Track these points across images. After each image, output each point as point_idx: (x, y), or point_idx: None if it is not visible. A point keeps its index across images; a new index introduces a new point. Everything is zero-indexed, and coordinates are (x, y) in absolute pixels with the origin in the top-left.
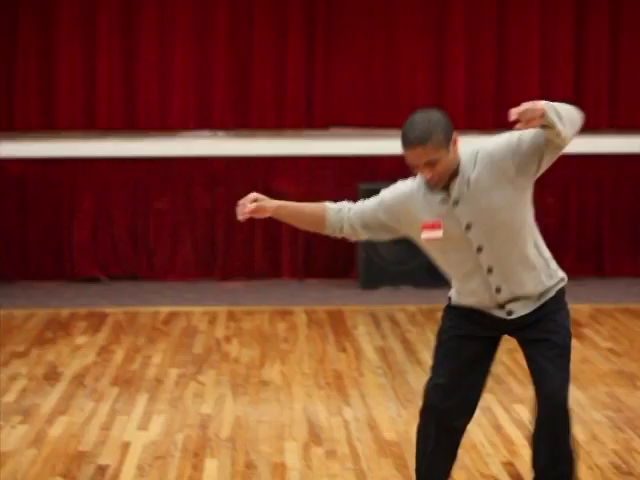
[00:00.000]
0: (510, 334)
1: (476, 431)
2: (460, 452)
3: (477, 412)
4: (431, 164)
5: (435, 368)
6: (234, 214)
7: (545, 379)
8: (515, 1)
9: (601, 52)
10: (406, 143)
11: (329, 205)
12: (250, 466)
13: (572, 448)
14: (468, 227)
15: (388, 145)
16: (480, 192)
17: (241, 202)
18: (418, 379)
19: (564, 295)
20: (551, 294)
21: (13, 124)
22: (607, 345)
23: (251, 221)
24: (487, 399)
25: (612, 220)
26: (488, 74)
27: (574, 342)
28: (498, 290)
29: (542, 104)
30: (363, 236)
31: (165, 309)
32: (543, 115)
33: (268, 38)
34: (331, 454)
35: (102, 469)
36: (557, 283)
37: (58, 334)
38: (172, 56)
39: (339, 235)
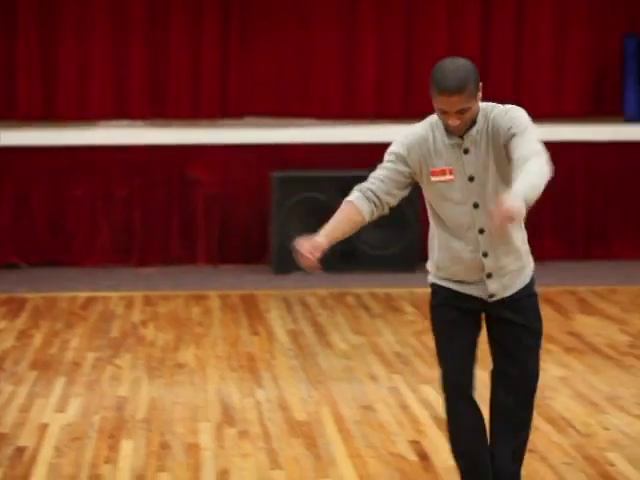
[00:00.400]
0: (488, 312)
1: (384, 411)
2: (368, 431)
3: (385, 392)
4: (462, 112)
5: (441, 356)
6: (150, 201)
7: (518, 368)
8: None
9: (505, 43)
10: (443, 90)
11: (356, 201)
12: (165, 446)
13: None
14: (471, 179)
15: (300, 134)
16: (487, 147)
17: (301, 253)
18: (328, 361)
19: (534, 283)
20: (527, 279)
21: None
22: None
23: (167, 208)
24: (394, 379)
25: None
26: (397, 63)
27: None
28: (485, 255)
29: (520, 209)
30: (401, 196)
31: (83, 294)
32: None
33: (184, 30)
34: (244, 434)
35: (20, 450)
36: (530, 266)
37: None
38: (90, 47)
39: (378, 216)
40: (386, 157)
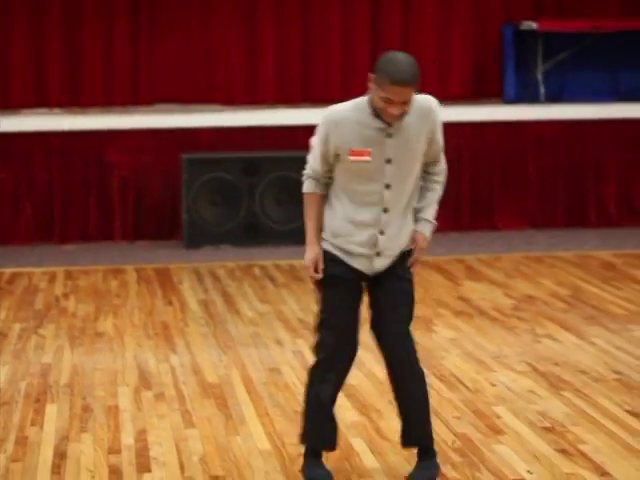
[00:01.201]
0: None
1: (289, 372)
2: (274, 391)
3: (289, 355)
4: (406, 103)
5: (329, 317)
6: (70, 183)
7: (391, 325)
8: None
9: (394, 32)
10: (398, 81)
11: (315, 190)
12: (87, 409)
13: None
14: (388, 161)
15: (207, 118)
16: (410, 136)
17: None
18: (237, 328)
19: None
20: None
21: None
22: None
23: (85, 190)
24: (298, 344)
25: None
26: (295, 52)
27: None
28: (382, 232)
29: (426, 242)
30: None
31: (8, 270)
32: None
33: (97, 23)
34: (159, 397)
35: None
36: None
37: None
38: (10, 40)
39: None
40: (314, 140)
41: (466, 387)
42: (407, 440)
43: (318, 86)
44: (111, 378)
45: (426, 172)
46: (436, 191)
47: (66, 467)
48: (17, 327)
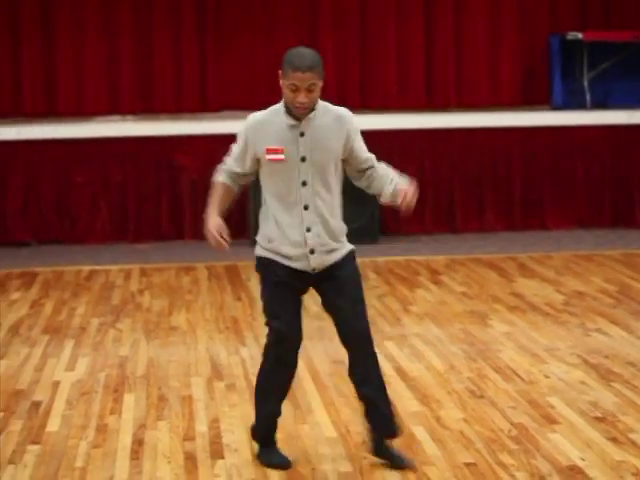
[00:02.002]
0: (313, 285)
1: None
2: (339, 382)
3: None
4: (310, 89)
5: (273, 312)
6: (143, 186)
7: (350, 321)
8: (374, 1)
9: (447, 44)
10: (297, 67)
11: (224, 180)
12: (162, 399)
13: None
14: (303, 159)
15: None
16: (323, 135)
17: (211, 240)
18: (303, 322)
19: (354, 256)
20: (344, 252)
21: None
22: (461, 289)
23: (158, 191)
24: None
25: (461, 184)
26: (353, 61)
27: (433, 287)
28: (308, 229)
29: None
30: (250, 175)
31: (86, 268)
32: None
33: (166, 35)
34: (231, 387)
35: (36, 404)
36: (347, 245)
37: None
38: (85, 52)
39: (245, 183)
40: (237, 139)
41: (521, 378)
42: (379, 431)
43: (376, 93)
44: (185, 369)
45: (365, 170)
46: (382, 168)
47: (144, 453)
48: (95, 321)
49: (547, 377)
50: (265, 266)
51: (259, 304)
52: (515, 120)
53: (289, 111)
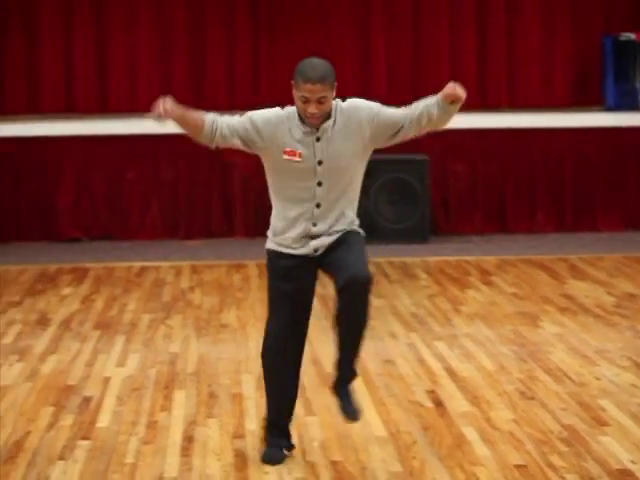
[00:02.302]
0: (319, 265)
1: (403, 365)
2: (389, 382)
3: (403, 348)
4: (321, 102)
5: (274, 311)
6: (195, 183)
7: (347, 265)
8: (428, 1)
9: (499, 45)
10: (307, 79)
11: (206, 116)
12: (212, 396)
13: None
14: (319, 162)
15: None
16: (338, 137)
17: (160, 102)
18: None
19: (358, 229)
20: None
21: (5, 108)
22: (512, 290)
23: (209, 189)
24: (411, 337)
25: (512, 185)
26: (405, 60)
27: (484, 287)
28: (315, 224)
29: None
30: (232, 144)
31: (137, 264)
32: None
33: (219, 33)
34: None
35: (87, 400)
36: (355, 223)
37: (47, 286)
38: (138, 49)
39: (212, 144)
40: (248, 116)
41: (571, 380)
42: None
43: (428, 90)
44: (235, 367)
45: (416, 119)
46: (419, 104)
47: (194, 450)
48: (146, 318)
49: (598, 379)
50: (271, 260)
51: None
52: (567, 121)
53: (302, 119)
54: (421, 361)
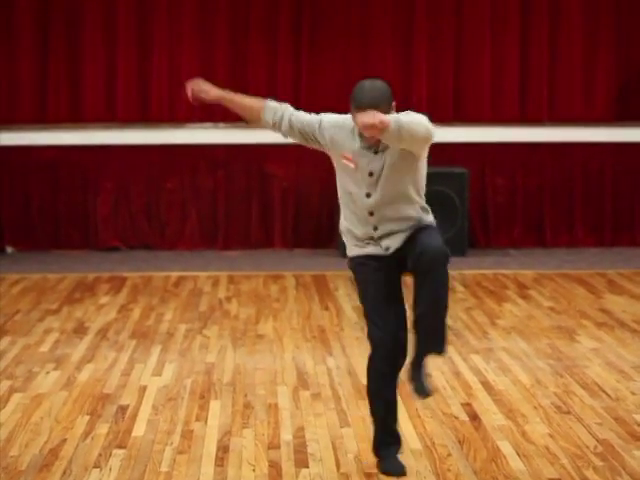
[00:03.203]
0: (401, 268)
1: (439, 377)
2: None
3: (439, 361)
4: None
5: (372, 316)
6: (233, 193)
7: (421, 243)
8: (470, 16)
9: (541, 58)
10: (361, 104)
11: (269, 104)
12: (248, 406)
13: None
14: (370, 174)
15: None
16: (395, 153)
17: (196, 84)
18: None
19: (428, 223)
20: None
21: (46, 117)
22: (549, 304)
23: (248, 199)
24: (448, 349)
25: (551, 199)
26: (447, 74)
27: (521, 301)
28: (375, 228)
29: (382, 118)
30: (293, 137)
31: (175, 274)
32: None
33: (261, 45)
34: (316, 396)
35: (123, 408)
36: (427, 219)
37: (85, 295)
38: (179, 60)
39: (276, 130)
40: (318, 116)
41: (607, 395)
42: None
43: (469, 106)
44: (271, 378)
45: None
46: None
47: (229, 460)
48: (183, 327)
49: (634, 394)
50: (353, 267)
51: (347, 314)
52: (608, 136)
53: (362, 135)
54: (457, 374)
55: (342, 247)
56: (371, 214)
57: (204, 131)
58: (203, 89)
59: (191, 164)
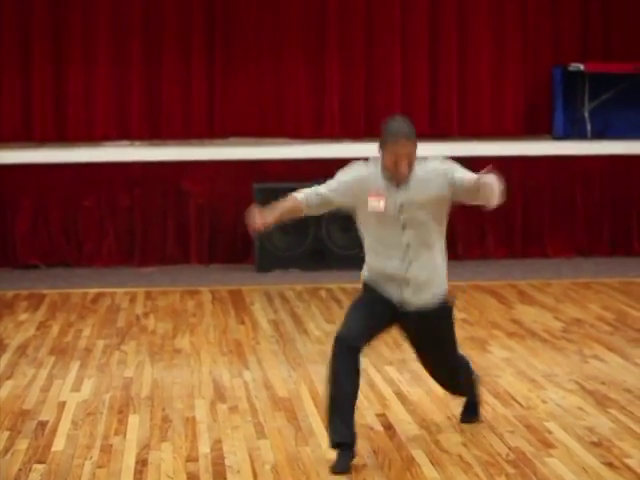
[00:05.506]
0: (399, 322)
1: None
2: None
3: None
4: (409, 156)
5: (346, 321)
6: (149, 210)
7: (430, 367)
8: (380, 33)
9: (450, 74)
10: (398, 137)
11: (302, 199)
12: (166, 420)
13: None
14: (401, 206)
15: (276, 151)
16: (420, 186)
17: (251, 217)
18: (305, 346)
19: (452, 311)
20: (436, 299)
21: None
22: (461, 316)
23: (164, 216)
24: (363, 361)
25: (463, 212)
26: (359, 90)
27: None
28: (409, 263)
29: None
30: (330, 209)
31: (93, 290)
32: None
33: (175, 64)
34: (233, 409)
35: (42, 424)
36: (445, 291)
37: (4, 312)
38: (95, 79)
39: (318, 214)
40: (331, 183)
41: (519, 404)
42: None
43: (380, 121)
44: (188, 391)
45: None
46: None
47: (147, 473)
48: (101, 343)
49: (545, 402)
50: (364, 291)
51: (262, 328)
52: (517, 150)
53: (387, 175)
54: (371, 385)
55: (258, 261)
56: (408, 246)
57: (120, 149)
58: (264, 222)
59: (108, 182)
